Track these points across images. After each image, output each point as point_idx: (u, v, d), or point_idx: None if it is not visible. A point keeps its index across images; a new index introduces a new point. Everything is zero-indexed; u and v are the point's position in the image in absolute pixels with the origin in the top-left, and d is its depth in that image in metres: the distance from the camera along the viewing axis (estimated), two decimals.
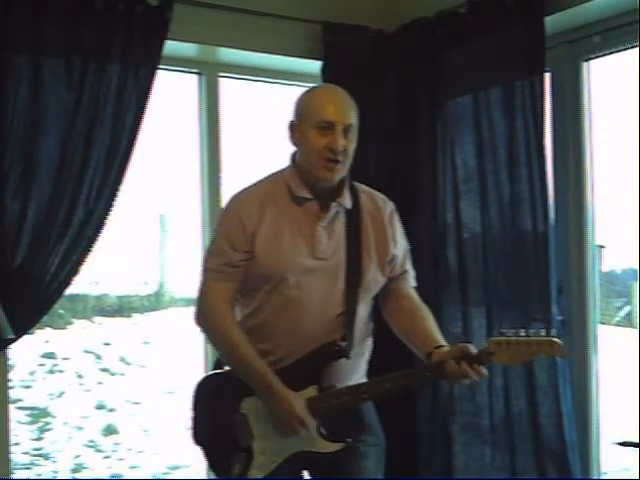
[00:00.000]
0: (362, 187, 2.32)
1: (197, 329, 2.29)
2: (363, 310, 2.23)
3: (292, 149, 2.24)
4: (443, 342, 2.16)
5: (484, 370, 2.05)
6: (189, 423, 2.32)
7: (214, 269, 2.21)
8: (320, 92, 2.25)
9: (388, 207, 2.31)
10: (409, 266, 2.34)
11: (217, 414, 2.25)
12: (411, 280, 2.35)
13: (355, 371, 2.23)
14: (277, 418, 2.14)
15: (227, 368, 2.28)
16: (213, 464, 2.29)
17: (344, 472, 2.20)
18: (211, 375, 2.35)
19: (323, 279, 2.17)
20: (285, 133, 2.23)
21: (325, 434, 2.15)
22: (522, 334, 1.99)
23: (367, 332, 2.30)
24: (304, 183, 2.18)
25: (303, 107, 2.19)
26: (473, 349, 2.05)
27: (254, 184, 2.28)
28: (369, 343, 2.32)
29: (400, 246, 2.30)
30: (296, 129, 2.19)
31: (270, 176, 2.28)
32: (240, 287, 2.23)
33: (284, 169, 2.26)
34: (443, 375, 2.06)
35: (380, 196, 2.33)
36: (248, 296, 2.24)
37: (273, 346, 2.19)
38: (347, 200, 2.22)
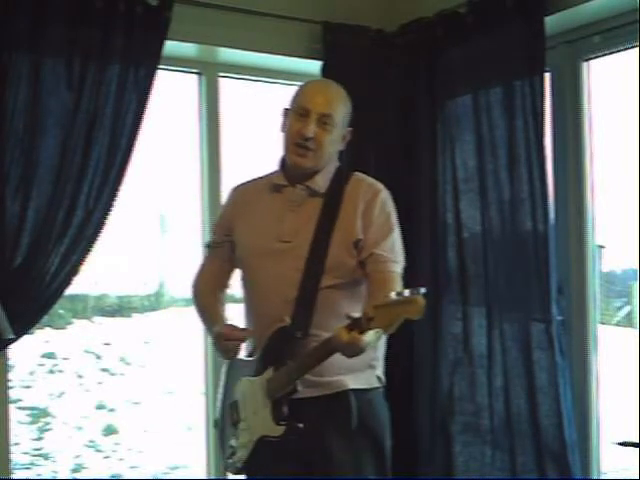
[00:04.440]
0: (358, 176, 2.32)
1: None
2: (332, 294, 2.17)
3: None
4: None
5: (358, 336, 1.87)
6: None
7: (207, 246, 2.48)
8: (309, 82, 2.39)
9: (370, 191, 2.25)
10: (382, 250, 2.19)
11: (224, 397, 2.34)
12: (386, 264, 2.19)
13: (334, 361, 2.06)
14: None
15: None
16: (220, 446, 2.36)
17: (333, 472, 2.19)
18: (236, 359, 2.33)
19: (284, 261, 2.20)
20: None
21: (275, 416, 2.11)
22: (398, 294, 1.80)
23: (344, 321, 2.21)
24: (285, 172, 2.29)
25: (293, 96, 2.30)
26: (356, 315, 1.90)
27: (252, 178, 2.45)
28: None
29: (375, 229, 2.20)
30: (286, 116, 2.29)
31: (267, 173, 2.41)
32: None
33: None
34: (334, 346, 1.95)
35: (369, 182, 2.30)
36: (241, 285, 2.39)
37: (253, 330, 2.25)
38: (320, 184, 2.25)
